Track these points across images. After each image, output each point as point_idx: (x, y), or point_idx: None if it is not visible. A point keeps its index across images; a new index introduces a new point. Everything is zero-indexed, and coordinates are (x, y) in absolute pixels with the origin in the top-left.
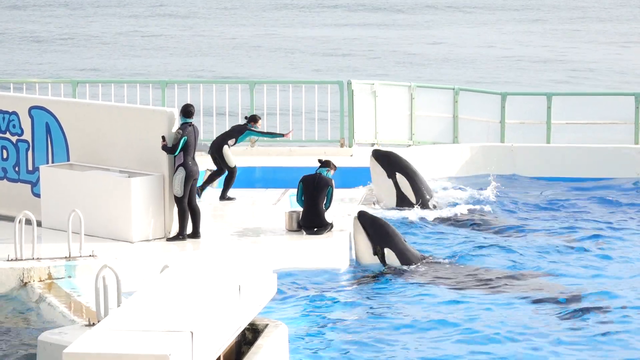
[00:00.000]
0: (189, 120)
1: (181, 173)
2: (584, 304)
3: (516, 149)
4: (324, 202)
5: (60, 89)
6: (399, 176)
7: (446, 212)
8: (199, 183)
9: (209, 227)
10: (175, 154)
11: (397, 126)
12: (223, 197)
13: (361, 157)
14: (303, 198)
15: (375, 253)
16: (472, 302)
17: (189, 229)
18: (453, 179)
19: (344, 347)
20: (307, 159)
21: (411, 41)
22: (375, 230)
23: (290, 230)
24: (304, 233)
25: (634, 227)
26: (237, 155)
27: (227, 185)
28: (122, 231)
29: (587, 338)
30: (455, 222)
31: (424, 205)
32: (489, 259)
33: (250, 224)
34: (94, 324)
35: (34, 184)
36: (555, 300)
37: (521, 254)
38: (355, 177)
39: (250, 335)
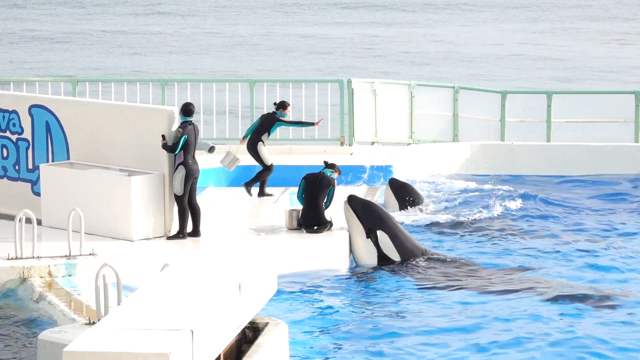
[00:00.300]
0: (189, 119)
1: (181, 172)
2: (582, 303)
3: (516, 148)
4: (325, 201)
5: (60, 87)
6: (380, 234)
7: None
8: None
9: (209, 226)
10: (176, 152)
11: (397, 125)
12: (262, 193)
13: (361, 156)
14: (304, 196)
15: (368, 236)
16: (472, 301)
17: (189, 228)
18: (453, 178)
19: (344, 345)
20: (307, 158)
21: (411, 39)
22: (367, 213)
23: (291, 229)
24: (304, 231)
25: (634, 225)
26: (237, 153)
27: (260, 180)
28: (122, 230)
29: (586, 337)
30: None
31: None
32: (487, 258)
33: (250, 222)
34: (94, 323)
35: (34, 183)
36: (555, 300)
37: (520, 254)
38: (355, 176)
39: (251, 333)
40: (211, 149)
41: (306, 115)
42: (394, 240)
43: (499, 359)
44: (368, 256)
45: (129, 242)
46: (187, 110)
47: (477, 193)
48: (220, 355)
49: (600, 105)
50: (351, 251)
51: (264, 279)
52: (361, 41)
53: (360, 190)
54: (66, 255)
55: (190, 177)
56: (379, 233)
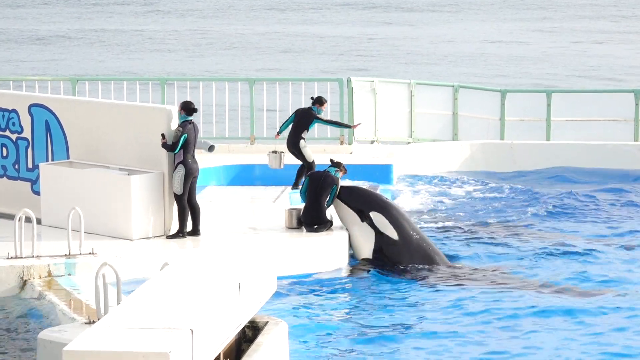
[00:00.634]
0: (189, 118)
1: (181, 171)
2: (580, 303)
3: (516, 146)
4: (327, 200)
5: (60, 86)
6: (373, 214)
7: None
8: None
9: (209, 225)
10: (176, 151)
11: (396, 123)
12: (296, 186)
13: (361, 155)
14: (307, 193)
15: (362, 220)
16: (472, 301)
17: (189, 227)
18: (453, 176)
19: (343, 344)
20: None
21: (411, 39)
22: (355, 198)
23: (290, 228)
24: (304, 230)
25: (634, 224)
26: (236, 153)
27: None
28: (122, 229)
29: (587, 336)
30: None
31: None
32: (486, 257)
33: (250, 221)
34: (93, 322)
35: (34, 182)
36: (554, 299)
37: (519, 253)
38: (355, 175)
39: (251, 332)
40: (211, 148)
41: None
42: (388, 218)
43: (499, 359)
44: (366, 241)
45: (128, 241)
46: (189, 109)
47: (475, 192)
48: (220, 354)
49: (599, 104)
50: (351, 246)
51: (263, 278)
52: (361, 40)
53: None
54: (66, 255)
55: (190, 176)
56: (372, 214)
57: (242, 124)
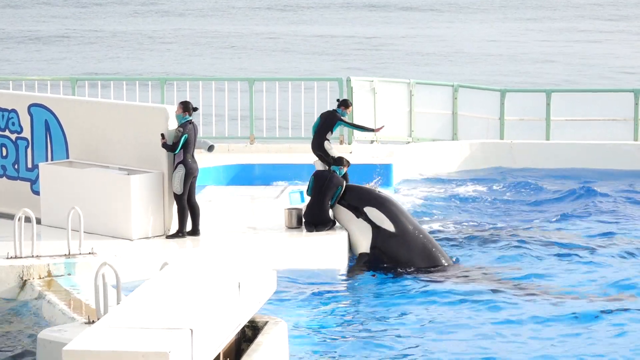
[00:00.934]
0: (189, 118)
1: (181, 170)
2: (579, 302)
3: (515, 146)
4: (330, 200)
5: (60, 86)
6: (368, 209)
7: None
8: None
9: (209, 225)
10: (176, 151)
11: (396, 123)
12: None
13: (361, 154)
14: (311, 192)
15: (358, 216)
16: (473, 300)
17: (189, 227)
18: (452, 176)
19: (343, 344)
20: (306, 157)
21: (410, 38)
22: (348, 196)
23: (290, 228)
24: (304, 230)
25: (634, 223)
26: (236, 152)
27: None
28: (121, 228)
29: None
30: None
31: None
32: (485, 257)
33: (250, 221)
34: (93, 322)
35: (34, 182)
36: (553, 299)
37: (519, 253)
38: (355, 174)
39: (250, 332)
40: (210, 148)
41: (305, 114)
42: (383, 211)
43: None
44: (363, 236)
45: (128, 241)
46: (188, 108)
47: (474, 192)
48: (219, 353)
49: (599, 104)
50: (351, 244)
51: (263, 278)
52: (360, 40)
53: None
54: (65, 254)
55: (190, 176)
56: (367, 209)
57: (242, 124)
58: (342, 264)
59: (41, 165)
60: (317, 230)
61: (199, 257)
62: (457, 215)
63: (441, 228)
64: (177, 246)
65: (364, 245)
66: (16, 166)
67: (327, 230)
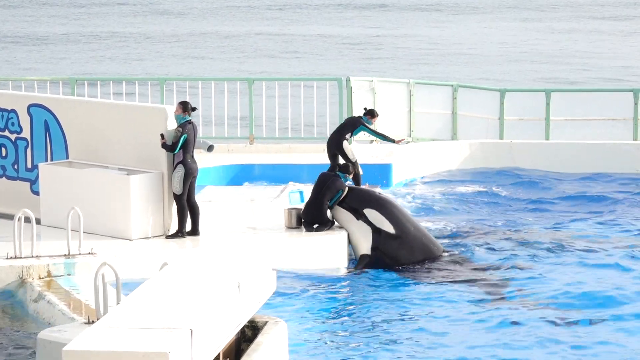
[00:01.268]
0: (188, 118)
1: (180, 171)
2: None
3: (515, 146)
4: (329, 201)
5: (59, 86)
6: (367, 211)
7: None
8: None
9: (208, 225)
10: (175, 151)
11: (396, 123)
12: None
13: (360, 154)
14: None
15: (358, 219)
16: (473, 300)
17: (188, 227)
18: (452, 176)
19: (343, 344)
20: (306, 157)
21: (410, 38)
22: (347, 197)
23: (290, 227)
24: (304, 230)
25: (634, 223)
26: (235, 152)
27: (357, 182)
28: (121, 229)
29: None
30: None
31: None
32: (485, 256)
33: (249, 221)
34: (93, 322)
35: (33, 182)
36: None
37: (517, 252)
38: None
39: (250, 332)
40: (210, 148)
41: (305, 114)
42: (383, 213)
43: (501, 358)
44: (364, 238)
45: (128, 241)
46: (187, 108)
47: (474, 192)
48: (219, 354)
49: (599, 103)
50: (351, 245)
51: (263, 278)
52: (360, 40)
53: None
54: (65, 255)
55: (189, 176)
56: (366, 211)
57: (241, 124)
58: (341, 263)
59: (41, 165)
60: (316, 230)
61: (198, 257)
62: (457, 215)
63: (441, 228)
64: (177, 246)
65: (364, 246)
66: (16, 166)
67: (327, 230)
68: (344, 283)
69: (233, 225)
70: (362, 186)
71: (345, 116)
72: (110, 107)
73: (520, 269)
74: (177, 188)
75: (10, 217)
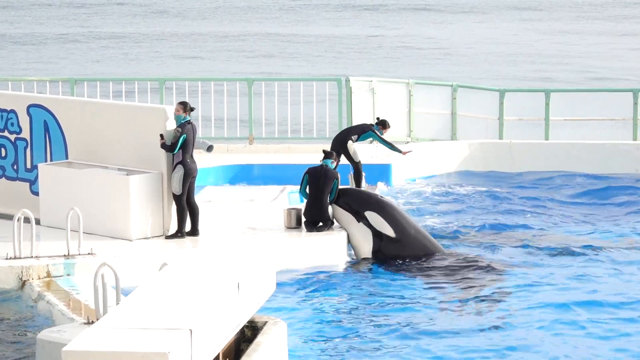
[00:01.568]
0: (187, 118)
1: (180, 171)
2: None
3: (515, 146)
4: (329, 195)
5: (59, 87)
6: (369, 214)
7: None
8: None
9: (208, 225)
10: (175, 152)
11: (395, 123)
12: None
13: (360, 154)
14: (308, 191)
15: (358, 221)
16: (473, 299)
17: (188, 227)
18: (451, 176)
19: (342, 344)
20: (305, 157)
21: (410, 38)
22: (349, 199)
23: (289, 228)
24: (304, 230)
25: (633, 223)
26: (235, 153)
27: (358, 183)
28: (120, 229)
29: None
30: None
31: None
32: (486, 256)
33: (249, 221)
34: (92, 322)
35: (33, 182)
36: (553, 299)
37: (517, 252)
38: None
39: (250, 332)
40: (209, 148)
41: (304, 115)
42: (384, 216)
43: (501, 357)
44: (365, 240)
45: (127, 241)
46: (186, 108)
47: (474, 192)
48: (219, 354)
49: (598, 103)
50: (351, 246)
51: (262, 278)
52: (359, 40)
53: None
54: (65, 255)
55: (189, 176)
56: (367, 214)
57: (241, 124)
58: (341, 263)
59: (40, 165)
60: (317, 230)
61: (198, 257)
62: (456, 215)
63: (440, 228)
64: (177, 246)
65: (365, 249)
66: (15, 167)
67: (327, 230)
68: (344, 283)
69: (233, 225)
70: (362, 186)
71: (345, 116)
72: (109, 108)
73: (521, 268)
74: (177, 188)
75: (9, 217)
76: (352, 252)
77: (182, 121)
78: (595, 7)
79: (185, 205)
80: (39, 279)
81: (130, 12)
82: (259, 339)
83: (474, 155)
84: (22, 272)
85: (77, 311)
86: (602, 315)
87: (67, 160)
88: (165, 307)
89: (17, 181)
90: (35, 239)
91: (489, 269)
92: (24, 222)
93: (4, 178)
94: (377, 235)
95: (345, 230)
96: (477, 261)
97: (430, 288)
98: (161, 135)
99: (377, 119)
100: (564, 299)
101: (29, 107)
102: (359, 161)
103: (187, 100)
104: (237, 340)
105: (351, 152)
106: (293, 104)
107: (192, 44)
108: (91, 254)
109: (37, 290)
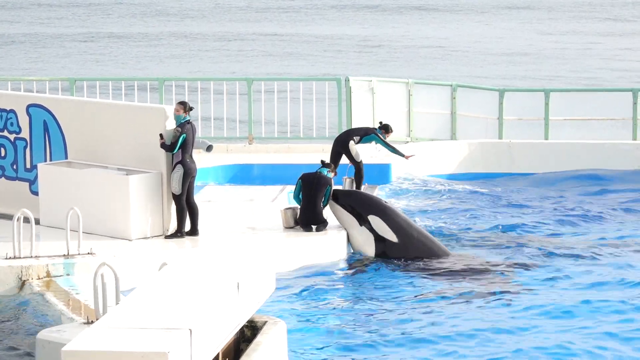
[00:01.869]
0: (187, 118)
1: (179, 171)
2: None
3: (514, 146)
4: (322, 200)
5: (58, 87)
6: (372, 218)
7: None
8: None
9: (208, 225)
10: (174, 151)
11: (395, 123)
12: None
13: (359, 154)
14: (300, 196)
15: (361, 224)
16: (473, 299)
17: (187, 227)
18: (451, 176)
19: (342, 343)
20: (305, 156)
21: (409, 38)
22: (353, 202)
23: (288, 228)
24: (302, 230)
25: (633, 223)
26: (234, 152)
27: (358, 183)
28: (120, 229)
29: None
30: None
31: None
32: (485, 256)
33: (248, 221)
34: (92, 322)
35: (32, 182)
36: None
37: (517, 252)
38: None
39: (249, 332)
40: (209, 148)
41: (304, 115)
42: (386, 221)
43: (501, 356)
44: (366, 244)
45: (127, 241)
46: (186, 108)
47: (473, 192)
48: (218, 354)
49: (598, 103)
50: (351, 245)
51: (262, 278)
52: (359, 40)
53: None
54: (64, 255)
55: (188, 176)
56: (371, 218)
57: (240, 124)
58: (340, 262)
59: (40, 165)
60: (316, 231)
61: (197, 257)
62: (456, 215)
63: (440, 228)
64: (176, 246)
65: (368, 252)
66: (15, 166)
67: (324, 230)
68: (343, 282)
69: (232, 225)
70: (362, 186)
71: (344, 116)
72: (109, 107)
73: (522, 268)
74: (176, 188)
75: (9, 217)
76: (352, 250)
77: (182, 121)
78: (595, 7)
79: (185, 205)
80: (39, 278)
81: (130, 12)
82: (259, 338)
83: (474, 155)
84: (21, 272)
85: (76, 311)
86: (606, 315)
87: (66, 160)
88: (164, 307)
89: (17, 181)
90: (34, 238)
91: (489, 268)
92: (24, 222)
93: (3, 178)
94: (380, 240)
95: (346, 230)
96: (477, 261)
97: (431, 288)
98: (161, 135)
99: (380, 123)
100: (567, 299)
101: (28, 107)
102: (361, 161)
103: (186, 100)
104: (237, 340)
105: (353, 152)
106: (292, 104)
107: (191, 44)
108: (91, 253)
109: (37, 290)
